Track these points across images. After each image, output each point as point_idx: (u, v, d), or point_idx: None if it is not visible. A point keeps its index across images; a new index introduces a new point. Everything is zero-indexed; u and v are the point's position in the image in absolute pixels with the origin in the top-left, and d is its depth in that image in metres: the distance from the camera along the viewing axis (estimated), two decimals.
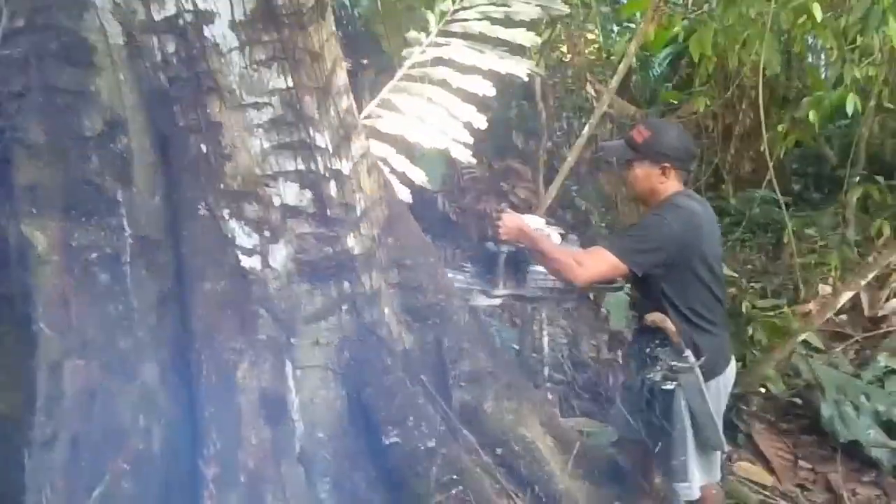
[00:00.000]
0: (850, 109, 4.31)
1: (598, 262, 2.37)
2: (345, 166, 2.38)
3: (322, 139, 2.29)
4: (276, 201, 2.25)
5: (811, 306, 4.25)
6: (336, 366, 2.48)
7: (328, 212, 2.34)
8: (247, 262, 2.22)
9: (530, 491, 2.78)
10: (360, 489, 2.52)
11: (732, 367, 2.56)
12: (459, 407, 2.71)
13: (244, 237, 2.22)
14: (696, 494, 2.55)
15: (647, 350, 2.47)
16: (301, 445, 2.39)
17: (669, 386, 2.40)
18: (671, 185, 2.48)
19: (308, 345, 2.42)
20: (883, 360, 3.97)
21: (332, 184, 2.34)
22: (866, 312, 4.56)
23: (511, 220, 2.60)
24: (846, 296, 3.90)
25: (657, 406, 2.47)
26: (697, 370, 2.37)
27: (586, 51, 7.11)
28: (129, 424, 1.99)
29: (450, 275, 2.87)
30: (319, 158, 2.29)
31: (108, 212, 2.04)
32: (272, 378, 2.29)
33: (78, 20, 2.02)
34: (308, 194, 2.30)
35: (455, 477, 2.52)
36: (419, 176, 3.74)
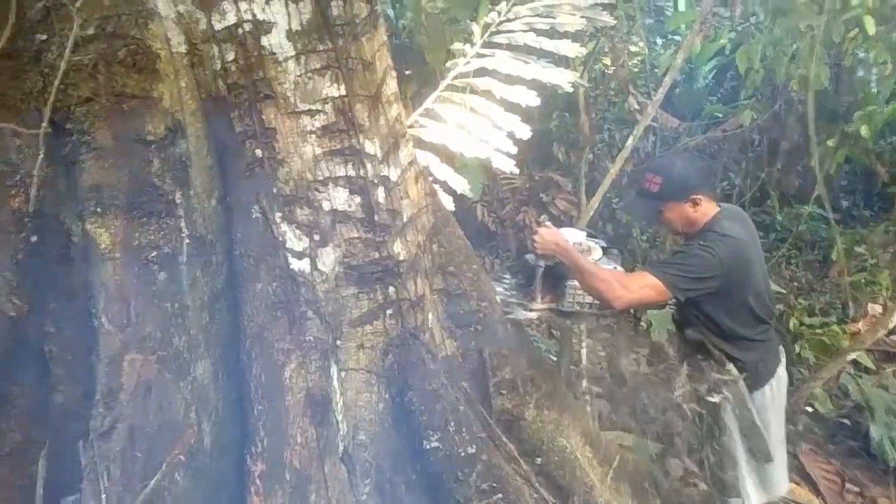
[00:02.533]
0: None
1: (643, 287, 2.34)
2: (393, 173, 2.43)
3: (372, 146, 2.34)
4: (326, 206, 2.30)
5: (861, 325, 4.14)
6: (379, 369, 2.51)
7: (376, 217, 2.39)
8: (296, 264, 2.28)
9: (569, 501, 2.78)
10: (400, 492, 2.55)
11: (782, 376, 2.51)
12: (500, 414, 2.72)
13: (295, 241, 2.27)
14: None
15: (692, 363, 2.45)
16: (344, 446, 2.43)
17: (715, 398, 2.38)
18: (706, 208, 2.44)
19: (353, 347, 2.46)
20: None
21: (381, 190, 2.39)
22: None
23: (549, 234, 2.59)
24: (883, 329, 3.81)
25: (705, 418, 2.44)
26: (741, 382, 2.34)
27: (630, 63, 7.07)
28: (181, 418, 2.05)
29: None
30: (369, 165, 2.34)
31: (167, 213, 2.12)
32: (318, 379, 2.34)
33: (144, 29, 2.11)
34: (357, 200, 2.35)
35: (494, 484, 2.53)
36: (461, 185, 3.77)
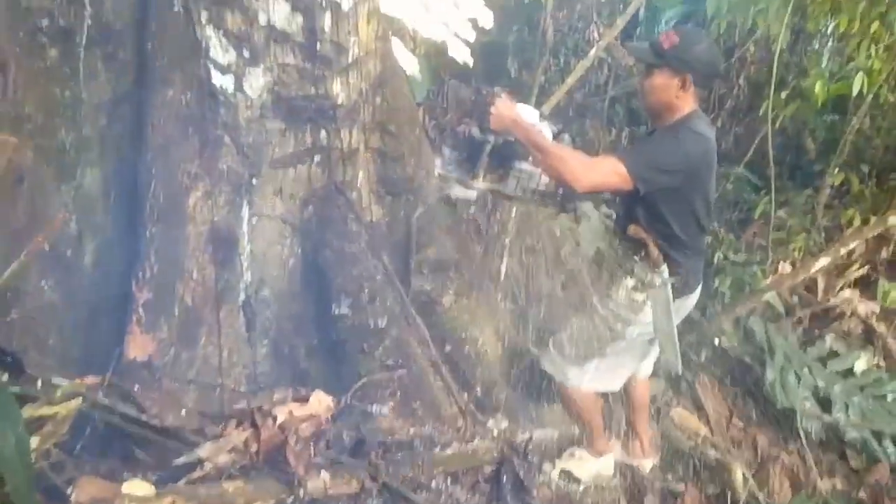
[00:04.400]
0: (855, 90, 4.23)
1: (606, 171, 2.18)
2: (345, 1, 2.13)
3: None
4: (263, 19, 1.99)
5: (769, 280, 4.24)
6: (296, 220, 2.28)
7: (318, 47, 2.10)
8: (219, 79, 1.98)
9: (471, 393, 2.69)
10: (299, 356, 2.37)
11: (698, 292, 2.48)
12: (417, 294, 2.57)
13: (220, 51, 1.97)
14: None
15: (623, 262, 2.36)
16: (246, 296, 2.21)
17: (639, 297, 2.31)
18: (687, 101, 2.30)
19: (270, 192, 2.21)
20: (829, 341, 4.00)
21: (328, 17, 2.10)
22: (819, 297, 4.59)
23: (506, 109, 2.38)
24: (804, 274, 3.93)
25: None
26: (669, 287, 2.27)
27: None
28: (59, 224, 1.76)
29: None
30: None
31: None
32: (226, 215, 2.08)
33: None
34: (299, 20, 2.05)
35: (400, 361, 2.40)
36: (411, 64, 3.50)
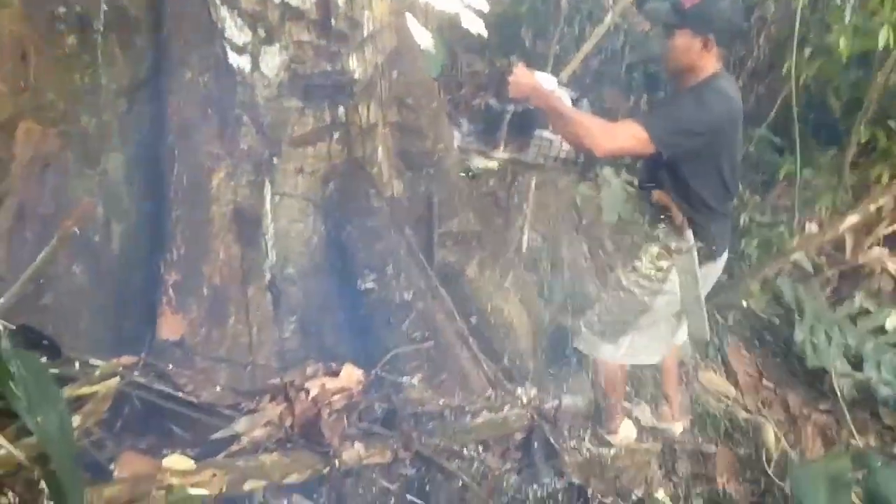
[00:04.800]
0: (881, 44, 4.11)
1: (626, 136, 2.13)
2: None
3: None
4: None
5: (795, 241, 4.17)
6: (318, 198, 2.29)
7: (332, 23, 2.09)
8: (235, 59, 1.98)
9: (500, 363, 2.70)
10: (326, 332, 2.39)
11: (725, 256, 2.44)
12: (441, 267, 2.57)
13: (235, 31, 1.97)
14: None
15: (647, 228, 2.33)
16: (271, 274, 2.23)
17: (664, 263, 2.28)
18: (710, 62, 2.25)
19: (292, 170, 2.22)
20: (859, 299, 3.94)
21: None
22: (847, 255, 4.51)
23: (525, 77, 2.34)
24: (832, 233, 3.87)
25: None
26: (695, 252, 2.24)
27: None
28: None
29: None
30: None
31: None
32: (249, 195, 2.10)
33: None
34: None
35: (427, 334, 2.41)
36: (425, 38, 3.46)
